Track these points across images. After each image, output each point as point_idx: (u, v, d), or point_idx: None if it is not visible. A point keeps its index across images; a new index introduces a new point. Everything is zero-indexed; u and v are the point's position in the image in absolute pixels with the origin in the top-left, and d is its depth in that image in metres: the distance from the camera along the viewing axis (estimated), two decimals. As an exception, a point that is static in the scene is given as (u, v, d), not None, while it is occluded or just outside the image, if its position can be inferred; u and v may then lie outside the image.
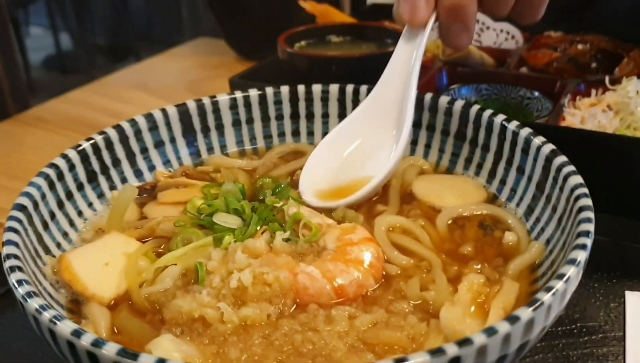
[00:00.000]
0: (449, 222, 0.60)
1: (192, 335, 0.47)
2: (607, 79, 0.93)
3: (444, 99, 0.69)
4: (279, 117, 0.75)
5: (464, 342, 0.36)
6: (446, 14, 0.65)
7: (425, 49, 0.74)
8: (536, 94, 0.96)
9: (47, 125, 1.18)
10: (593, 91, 0.92)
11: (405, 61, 0.69)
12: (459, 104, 0.68)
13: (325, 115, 0.75)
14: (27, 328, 0.63)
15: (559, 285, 0.40)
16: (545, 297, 0.39)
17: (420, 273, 0.53)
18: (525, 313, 0.38)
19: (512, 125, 0.62)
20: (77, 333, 0.38)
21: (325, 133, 0.74)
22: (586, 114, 0.86)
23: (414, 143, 0.71)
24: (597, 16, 0.97)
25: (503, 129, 0.63)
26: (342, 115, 0.74)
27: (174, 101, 0.72)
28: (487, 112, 0.65)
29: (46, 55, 5.05)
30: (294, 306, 0.50)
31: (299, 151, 0.74)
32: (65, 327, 0.39)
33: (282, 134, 0.76)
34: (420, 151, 0.71)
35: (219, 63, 1.45)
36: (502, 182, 0.63)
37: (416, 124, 0.70)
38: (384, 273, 0.54)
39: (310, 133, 0.76)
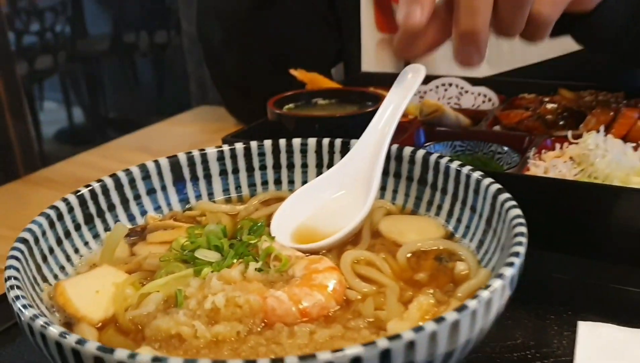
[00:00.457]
0: (409, 255, 0.66)
1: (169, 348, 0.53)
2: (569, 134, 1.01)
3: (407, 150, 0.77)
4: (262, 167, 0.83)
5: (394, 337, 0.42)
6: (460, 38, 0.76)
7: (405, 111, 0.83)
8: (505, 149, 1.03)
9: (55, 184, 1.26)
10: (557, 145, 1.00)
11: (380, 129, 0.78)
12: (420, 153, 0.75)
13: (305, 165, 0.83)
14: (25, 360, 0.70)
15: (483, 293, 0.46)
16: (471, 303, 0.45)
17: (378, 298, 0.59)
18: (450, 315, 0.44)
19: (465, 169, 0.69)
20: (63, 335, 0.44)
21: (304, 181, 0.82)
22: (549, 165, 0.93)
23: (383, 188, 0.78)
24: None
25: (457, 173, 0.70)
26: (319, 165, 0.82)
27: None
28: (444, 159, 0.72)
29: (59, 128, 5.23)
30: (262, 325, 0.56)
31: (280, 197, 0.80)
32: (54, 330, 0.45)
33: (265, 183, 0.83)
34: (389, 196, 0.78)
35: (219, 128, 1.54)
36: (459, 220, 0.70)
37: (385, 172, 0.77)
38: (345, 297, 0.60)
39: (291, 181, 0.83)
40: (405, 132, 1.10)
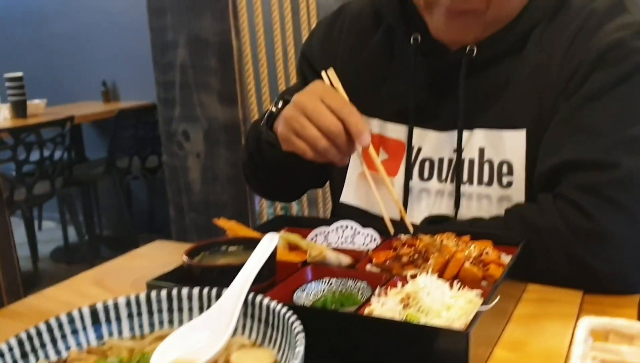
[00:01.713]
0: (241, 377, 0.94)
1: None
2: (409, 274, 1.30)
3: (258, 297, 1.06)
4: (159, 310, 1.12)
5: None
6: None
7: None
8: (364, 285, 1.33)
9: (22, 317, 1.54)
10: (399, 283, 1.29)
11: (243, 280, 1.08)
12: (265, 300, 1.05)
13: (190, 309, 1.12)
14: None
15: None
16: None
17: (207, 409, 0.87)
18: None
19: (284, 310, 0.99)
20: None
21: (190, 320, 1.11)
22: (387, 300, 1.22)
23: (243, 327, 1.07)
24: None
25: (283, 315, 0.99)
26: (201, 308, 1.11)
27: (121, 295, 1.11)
28: (275, 304, 1.02)
29: (55, 247, 5.56)
30: None
31: (170, 334, 1.09)
32: None
33: (161, 323, 1.12)
34: (247, 333, 1.07)
35: (166, 262, 1.82)
36: (283, 351, 0.98)
37: (244, 314, 1.07)
38: (184, 409, 0.88)
39: (181, 321, 1.12)
40: (295, 271, 1.40)
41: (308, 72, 1.89)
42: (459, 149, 1.56)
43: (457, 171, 1.57)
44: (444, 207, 1.63)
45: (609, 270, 1.32)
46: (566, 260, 1.36)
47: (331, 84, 1.53)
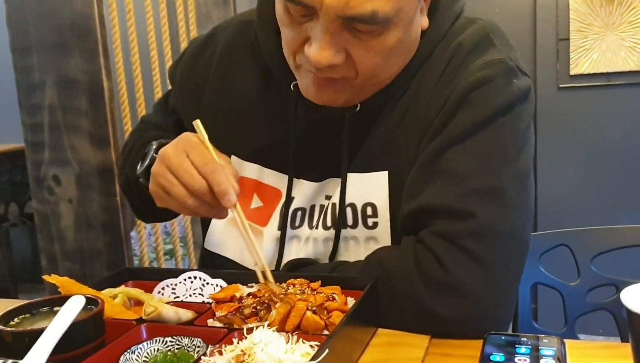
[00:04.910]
0: None
1: None
2: (245, 328, 1.22)
3: None
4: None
5: None
6: None
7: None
8: (201, 342, 1.23)
9: None
10: (235, 340, 1.20)
11: (43, 344, 0.97)
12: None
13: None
14: None
15: None
16: None
17: None
18: None
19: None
20: None
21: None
22: (218, 358, 1.13)
23: (40, 402, 0.95)
24: None
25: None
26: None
27: None
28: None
29: None
30: None
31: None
32: None
33: (-53, 404, 0.98)
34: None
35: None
36: None
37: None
38: None
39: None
40: (128, 329, 1.28)
41: (172, 98, 1.80)
42: (342, 196, 1.50)
43: (340, 217, 1.51)
44: (312, 253, 1.57)
45: (455, 318, 1.28)
46: (413, 306, 1.32)
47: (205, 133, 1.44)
